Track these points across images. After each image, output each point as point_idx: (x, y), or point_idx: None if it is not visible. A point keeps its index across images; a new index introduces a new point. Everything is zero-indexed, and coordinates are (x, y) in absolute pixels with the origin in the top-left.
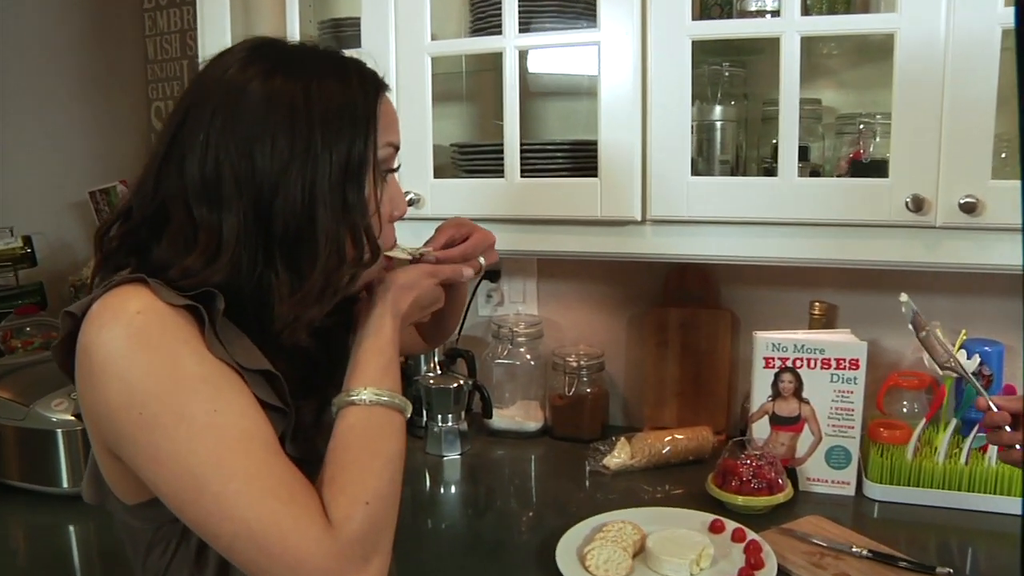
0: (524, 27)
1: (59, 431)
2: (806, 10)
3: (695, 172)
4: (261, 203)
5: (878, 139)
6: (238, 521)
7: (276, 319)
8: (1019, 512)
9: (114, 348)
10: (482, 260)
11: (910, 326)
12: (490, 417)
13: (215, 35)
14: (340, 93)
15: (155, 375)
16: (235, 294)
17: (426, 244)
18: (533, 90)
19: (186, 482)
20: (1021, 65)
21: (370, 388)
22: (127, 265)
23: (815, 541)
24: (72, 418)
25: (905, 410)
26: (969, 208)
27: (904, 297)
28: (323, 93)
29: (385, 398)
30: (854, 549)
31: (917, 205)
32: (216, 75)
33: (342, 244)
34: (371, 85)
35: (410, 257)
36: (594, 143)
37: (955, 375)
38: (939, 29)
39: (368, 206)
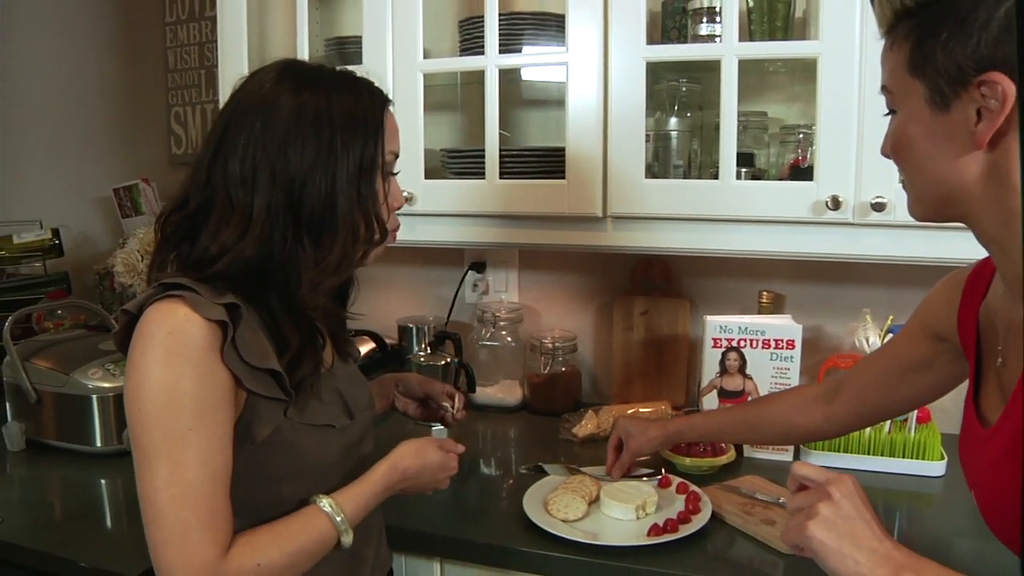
0: (511, 46)
1: (94, 396)
2: (750, 34)
3: (651, 175)
4: (292, 192)
5: (814, 147)
6: (159, 513)
7: (303, 284)
8: (933, 474)
9: (148, 356)
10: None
11: None
12: (474, 392)
13: (232, 48)
14: (354, 104)
15: (162, 387)
16: (267, 267)
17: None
18: (522, 99)
19: (146, 465)
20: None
21: (338, 508)
22: (179, 248)
23: (748, 494)
24: (106, 385)
25: None
26: (879, 207)
27: None
28: (341, 104)
29: (339, 521)
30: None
31: (835, 204)
32: (253, 90)
33: (357, 226)
34: (379, 99)
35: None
36: (562, 149)
37: None
38: (854, 54)
39: (378, 197)
